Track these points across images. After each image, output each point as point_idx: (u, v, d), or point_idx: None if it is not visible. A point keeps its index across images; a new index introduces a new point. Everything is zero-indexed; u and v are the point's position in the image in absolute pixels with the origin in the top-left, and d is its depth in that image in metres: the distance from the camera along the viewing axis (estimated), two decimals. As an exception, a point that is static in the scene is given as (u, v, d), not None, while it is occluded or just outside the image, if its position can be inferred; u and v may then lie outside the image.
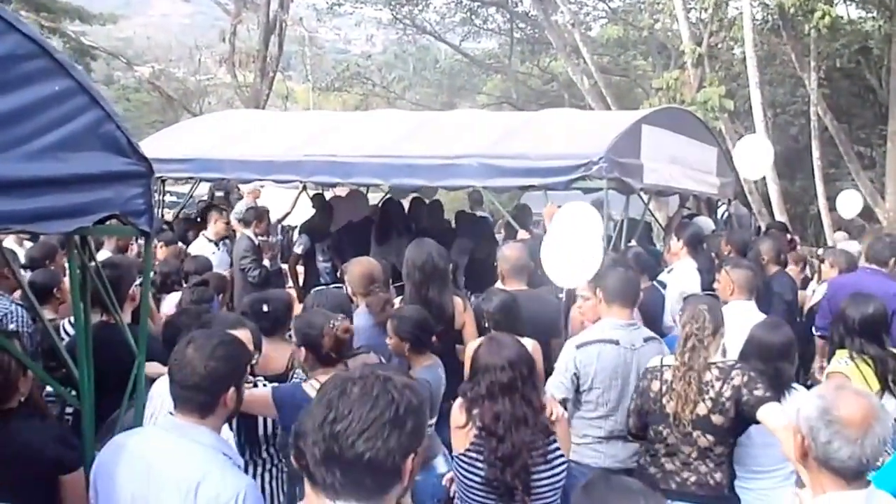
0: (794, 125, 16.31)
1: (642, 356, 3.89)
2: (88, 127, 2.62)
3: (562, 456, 3.16)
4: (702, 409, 3.40)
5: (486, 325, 4.36)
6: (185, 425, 2.37)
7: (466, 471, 3.15)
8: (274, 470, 3.62)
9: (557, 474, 3.13)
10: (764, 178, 11.55)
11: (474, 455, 3.11)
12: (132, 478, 2.33)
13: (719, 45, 15.36)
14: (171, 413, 2.45)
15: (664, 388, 3.50)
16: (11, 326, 4.18)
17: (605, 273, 4.22)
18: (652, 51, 20.04)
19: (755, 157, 8.04)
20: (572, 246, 4.59)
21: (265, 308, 4.07)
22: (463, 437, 3.15)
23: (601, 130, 6.05)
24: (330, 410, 1.59)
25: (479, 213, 9.35)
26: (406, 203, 8.84)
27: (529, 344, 4.22)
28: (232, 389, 2.43)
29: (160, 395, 3.08)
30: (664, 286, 5.65)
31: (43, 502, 2.72)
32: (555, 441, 3.13)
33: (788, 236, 7.40)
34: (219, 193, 10.55)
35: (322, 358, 3.34)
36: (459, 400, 3.22)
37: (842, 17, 13.96)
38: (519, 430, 3.00)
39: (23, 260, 5.46)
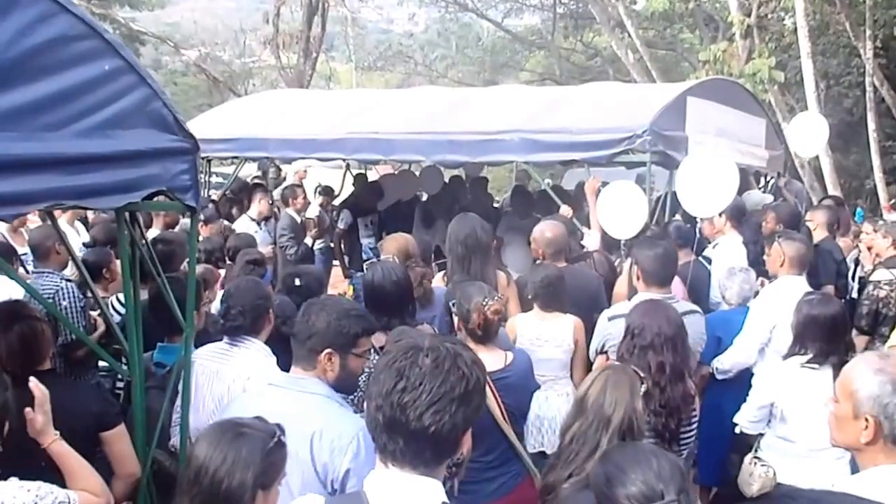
0: (848, 97, 15.77)
1: None
2: (137, 105, 2.69)
3: (697, 419, 3.23)
4: None
5: (530, 297, 4.36)
6: (298, 378, 2.50)
7: None
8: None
9: (693, 439, 3.23)
10: (816, 150, 11.24)
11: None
12: None
13: (769, 16, 14.83)
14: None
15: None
16: (64, 303, 4.28)
17: (640, 254, 4.19)
18: (699, 23, 19.55)
19: (809, 134, 7.78)
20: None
21: (297, 282, 4.15)
22: None
23: (645, 103, 5.96)
24: (400, 379, 1.59)
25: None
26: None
27: (572, 321, 4.24)
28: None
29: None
30: (709, 261, 5.57)
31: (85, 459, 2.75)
32: (695, 408, 3.19)
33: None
34: (257, 173, 10.73)
35: (469, 332, 3.32)
36: None
37: (899, -17, 13.43)
38: (677, 384, 3.06)
39: (80, 242, 5.57)
